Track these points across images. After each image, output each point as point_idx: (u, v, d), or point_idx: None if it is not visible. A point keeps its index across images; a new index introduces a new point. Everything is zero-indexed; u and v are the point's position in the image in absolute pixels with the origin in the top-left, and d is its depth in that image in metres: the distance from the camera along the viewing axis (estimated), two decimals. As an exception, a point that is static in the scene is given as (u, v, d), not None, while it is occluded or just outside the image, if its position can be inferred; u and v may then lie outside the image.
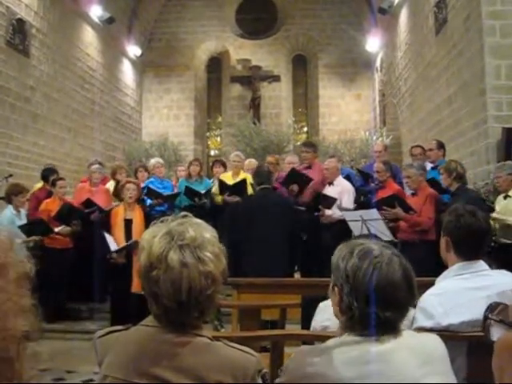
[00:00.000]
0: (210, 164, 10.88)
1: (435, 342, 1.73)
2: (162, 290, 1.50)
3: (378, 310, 1.63)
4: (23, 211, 7.35)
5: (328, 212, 6.78)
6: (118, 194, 7.65)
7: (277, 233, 5.61)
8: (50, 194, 7.93)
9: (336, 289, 1.73)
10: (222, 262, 1.58)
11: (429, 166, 7.29)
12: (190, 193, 8.12)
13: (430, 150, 7.58)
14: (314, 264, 6.84)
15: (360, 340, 1.65)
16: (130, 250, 6.40)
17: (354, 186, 7.31)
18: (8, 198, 7.28)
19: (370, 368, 1.59)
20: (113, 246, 6.43)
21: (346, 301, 1.69)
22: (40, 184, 8.47)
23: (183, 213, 1.67)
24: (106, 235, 6.52)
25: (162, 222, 1.62)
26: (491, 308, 2.12)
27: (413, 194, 6.26)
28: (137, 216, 6.65)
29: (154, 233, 1.57)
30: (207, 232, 1.59)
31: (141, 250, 1.57)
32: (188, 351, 1.52)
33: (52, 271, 6.67)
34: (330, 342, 1.71)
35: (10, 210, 7.21)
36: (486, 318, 2.06)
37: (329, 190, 7.00)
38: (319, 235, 6.76)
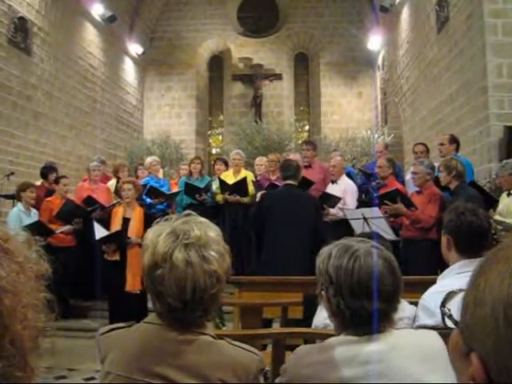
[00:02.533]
0: (212, 162, 10.87)
1: (433, 339, 1.72)
2: (166, 289, 1.50)
3: (365, 303, 1.63)
4: (34, 210, 7.30)
5: (332, 211, 6.77)
6: (118, 192, 7.68)
7: (301, 231, 5.36)
8: (48, 192, 7.93)
9: (323, 293, 1.74)
10: (226, 261, 1.58)
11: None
12: (190, 189, 8.08)
13: (442, 144, 7.13)
14: None
15: (356, 340, 1.65)
16: (114, 241, 6.41)
17: (355, 184, 7.31)
18: (18, 196, 7.27)
19: (370, 368, 1.59)
20: (98, 235, 6.44)
21: (333, 302, 1.69)
22: (39, 181, 8.48)
23: (187, 211, 1.67)
24: (95, 223, 6.54)
25: (165, 220, 1.62)
26: (445, 299, 2.10)
27: (418, 192, 6.22)
28: (136, 215, 6.64)
29: (159, 232, 1.56)
30: (211, 231, 1.59)
31: (145, 249, 1.57)
32: (191, 349, 1.52)
33: (56, 269, 6.67)
34: (328, 342, 1.72)
35: (18, 208, 7.17)
36: (441, 311, 2.05)
37: (332, 189, 6.98)
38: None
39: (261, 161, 8.54)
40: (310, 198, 5.94)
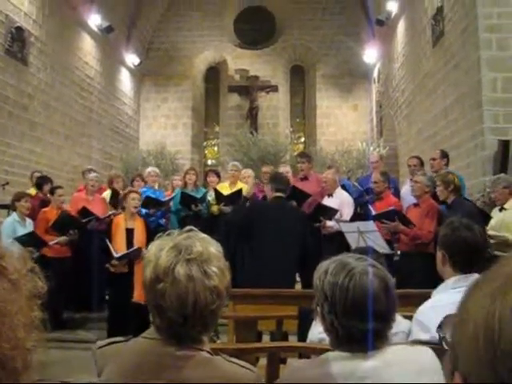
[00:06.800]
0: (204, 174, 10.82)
1: (427, 355, 1.72)
2: (167, 303, 1.51)
3: (358, 323, 1.63)
4: (29, 220, 7.27)
5: (329, 223, 6.71)
6: (115, 202, 7.62)
7: (289, 244, 5.34)
8: (43, 202, 7.90)
9: (318, 309, 1.75)
10: (226, 277, 1.59)
11: None
12: (186, 199, 8.03)
13: (433, 159, 7.29)
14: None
15: (351, 356, 1.65)
16: (132, 257, 6.36)
17: (351, 196, 7.30)
18: (13, 206, 7.24)
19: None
20: (116, 254, 6.38)
21: (327, 319, 1.70)
22: (33, 190, 8.45)
23: (188, 227, 1.68)
24: (109, 244, 6.47)
25: (168, 235, 1.63)
26: (442, 323, 2.07)
27: (415, 205, 6.21)
28: (138, 225, 6.60)
29: (161, 246, 1.57)
30: (213, 247, 1.60)
31: (147, 263, 1.58)
32: (188, 365, 1.52)
33: (50, 280, 6.60)
34: (323, 357, 1.72)
35: (12, 218, 7.12)
36: (438, 333, 2.03)
37: (328, 202, 6.94)
38: (320, 247, 6.70)
39: (246, 173, 8.52)
40: (300, 213, 5.93)
